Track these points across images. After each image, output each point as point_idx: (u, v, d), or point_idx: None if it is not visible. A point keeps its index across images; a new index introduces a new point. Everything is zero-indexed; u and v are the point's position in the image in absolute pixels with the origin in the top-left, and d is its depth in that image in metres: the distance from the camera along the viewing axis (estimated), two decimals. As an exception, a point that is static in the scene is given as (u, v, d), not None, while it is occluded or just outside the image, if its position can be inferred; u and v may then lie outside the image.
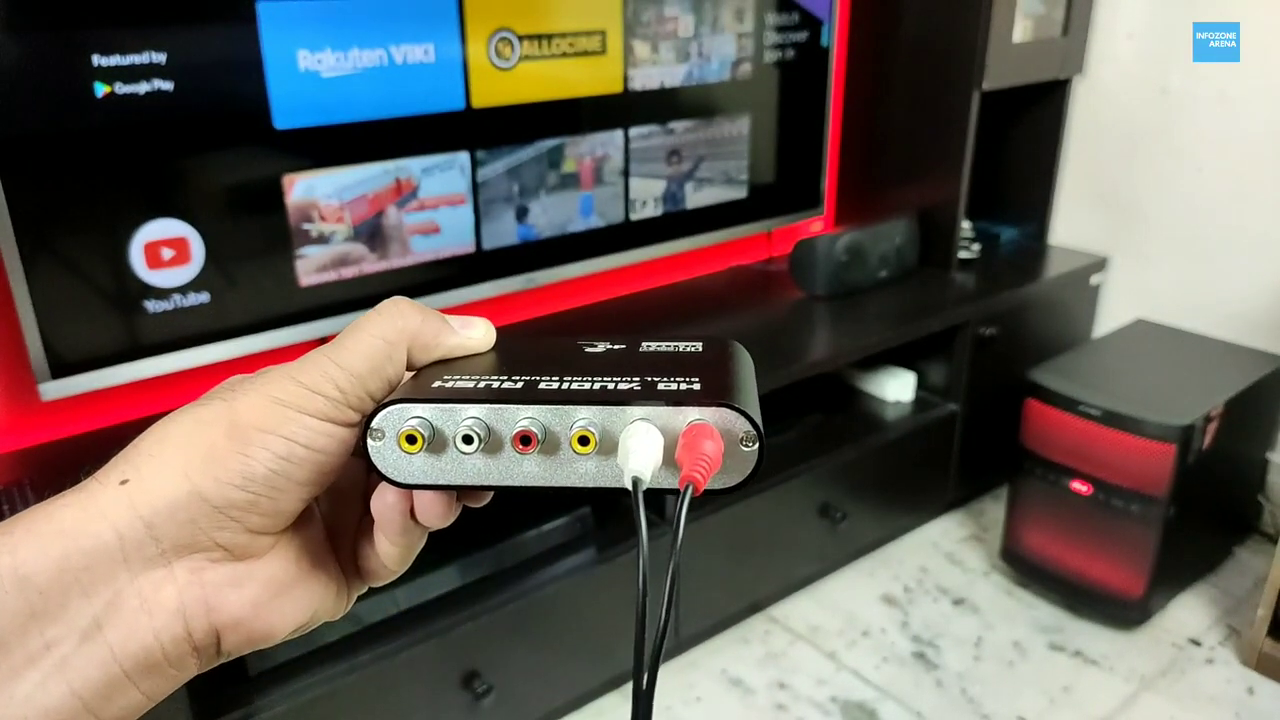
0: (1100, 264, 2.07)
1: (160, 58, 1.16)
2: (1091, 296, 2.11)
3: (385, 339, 0.32)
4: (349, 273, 1.39)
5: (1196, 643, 1.67)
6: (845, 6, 1.98)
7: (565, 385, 0.31)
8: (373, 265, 1.41)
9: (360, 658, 1.23)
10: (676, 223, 1.75)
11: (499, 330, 0.35)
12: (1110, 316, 2.10)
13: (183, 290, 1.26)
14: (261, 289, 1.33)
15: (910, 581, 1.83)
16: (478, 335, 0.34)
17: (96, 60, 1.12)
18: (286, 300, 1.34)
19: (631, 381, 0.31)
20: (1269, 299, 1.86)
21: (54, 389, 1.18)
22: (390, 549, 0.33)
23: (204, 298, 1.27)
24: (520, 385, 0.31)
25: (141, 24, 1.15)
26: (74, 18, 1.10)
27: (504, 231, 1.54)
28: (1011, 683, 1.59)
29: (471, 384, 0.31)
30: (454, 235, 1.48)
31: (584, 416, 0.30)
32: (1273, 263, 1.84)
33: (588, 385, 0.31)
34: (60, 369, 1.18)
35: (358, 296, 1.41)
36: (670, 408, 0.29)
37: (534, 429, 0.29)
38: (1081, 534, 1.68)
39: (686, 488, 0.28)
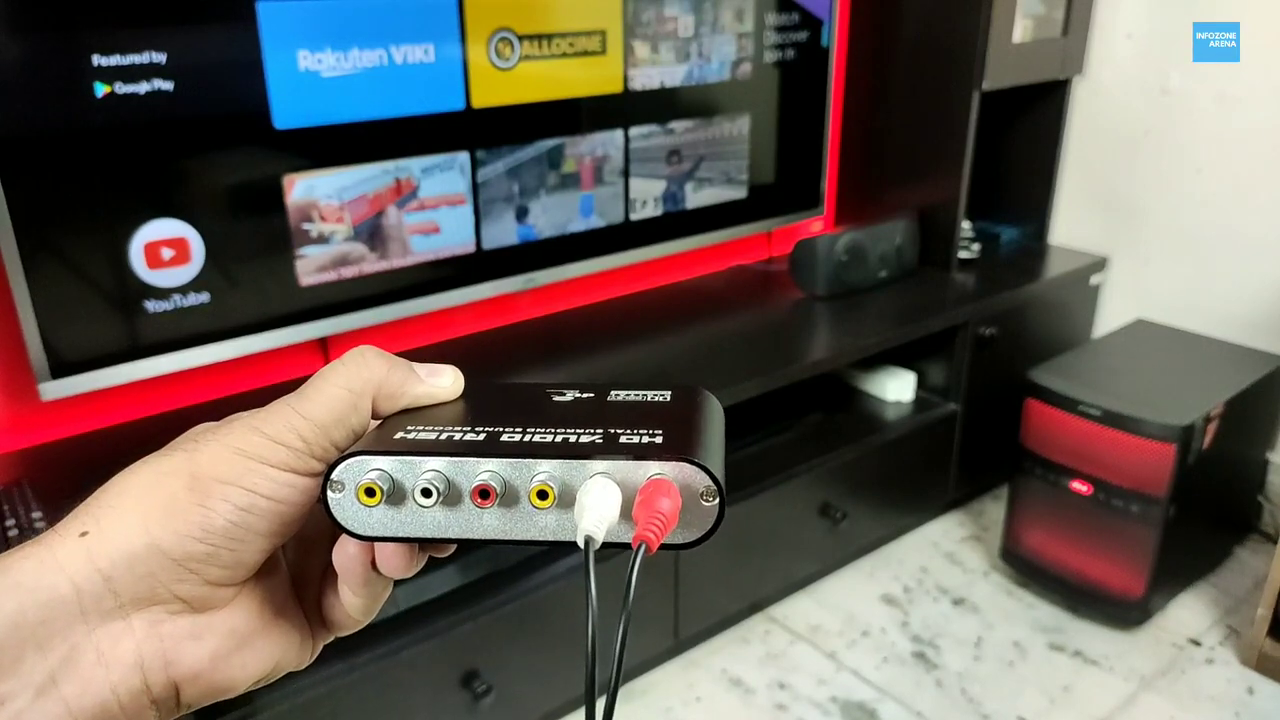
0: (1100, 264, 2.07)
1: (160, 58, 1.16)
2: (1091, 296, 2.11)
3: (350, 389, 0.31)
4: (349, 273, 1.39)
5: (1196, 643, 1.67)
6: (845, 6, 1.98)
7: (527, 438, 0.30)
8: (373, 265, 1.41)
9: (360, 658, 1.23)
10: (676, 223, 1.75)
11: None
12: (1110, 316, 2.10)
13: (183, 290, 1.26)
14: (262, 289, 1.33)
15: (910, 581, 1.83)
16: (445, 384, 0.34)
17: (96, 60, 1.12)
18: (287, 300, 1.34)
19: (594, 434, 0.30)
20: (1269, 299, 1.86)
21: (54, 389, 1.18)
22: (354, 600, 0.33)
23: (204, 298, 1.27)
24: (482, 437, 0.30)
25: (141, 24, 1.15)
26: (74, 18, 1.10)
27: (504, 231, 1.54)
28: (1011, 682, 1.59)
29: (433, 436, 0.30)
30: (454, 235, 1.48)
31: (544, 470, 0.29)
32: (1273, 263, 1.84)
33: (549, 438, 0.30)
34: (60, 369, 1.18)
35: (358, 296, 1.41)
36: (631, 461, 0.29)
37: (493, 483, 0.29)
38: (1081, 534, 1.68)
39: (639, 547, 0.27)
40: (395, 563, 0.31)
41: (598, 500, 0.28)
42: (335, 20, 1.28)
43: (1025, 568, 1.80)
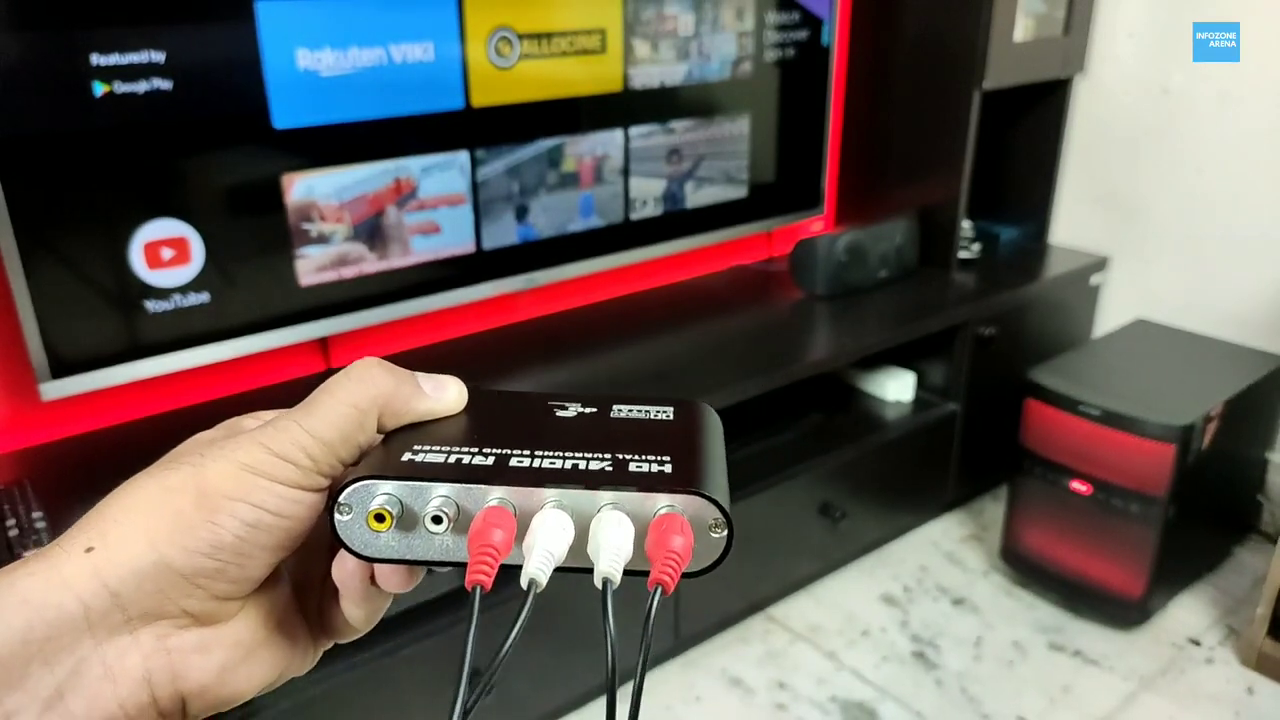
0: (1100, 264, 2.07)
1: (159, 57, 1.16)
2: (1091, 296, 2.11)
3: (357, 407, 0.31)
4: (349, 273, 1.39)
5: (1196, 642, 1.67)
6: (846, 5, 1.98)
7: (536, 463, 0.30)
8: (373, 265, 1.41)
9: (359, 657, 1.23)
10: (677, 222, 1.75)
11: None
12: (1110, 316, 2.10)
13: (183, 290, 1.26)
14: (261, 289, 1.33)
15: (910, 581, 1.83)
16: (450, 399, 0.34)
17: (95, 59, 1.12)
18: (286, 300, 1.34)
19: (603, 460, 0.30)
20: (1269, 299, 1.86)
21: (54, 389, 1.18)
22: (355, 610, 0.33)
23: (204, 298, 1.27)
24: (490, 461, 0.30)
25: (140, 23, 1.14)
26: (73, 17, 1.10)
27: (504, 231, 1.54)
28: (1011, 682, 1.59)
29: (441, 459, 0.30)
30: (454, 235, 1.48)
31: (553, 499, 0.29)
32: (1273, 263, 1.84)
33: (558, 464, 0.30)
34: (60, 369, 1.18)
35: (358, 296, 1.41)
36: (641, 494, 0.29)
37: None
38: (1081, 534, 1.68)
39: (655, 590, 0.27)
40: (395, 580, 0.32)
41: (611, 538, 0.28)
42: (334, 19, 1.28)
43: (1025, 567, 1.80)
